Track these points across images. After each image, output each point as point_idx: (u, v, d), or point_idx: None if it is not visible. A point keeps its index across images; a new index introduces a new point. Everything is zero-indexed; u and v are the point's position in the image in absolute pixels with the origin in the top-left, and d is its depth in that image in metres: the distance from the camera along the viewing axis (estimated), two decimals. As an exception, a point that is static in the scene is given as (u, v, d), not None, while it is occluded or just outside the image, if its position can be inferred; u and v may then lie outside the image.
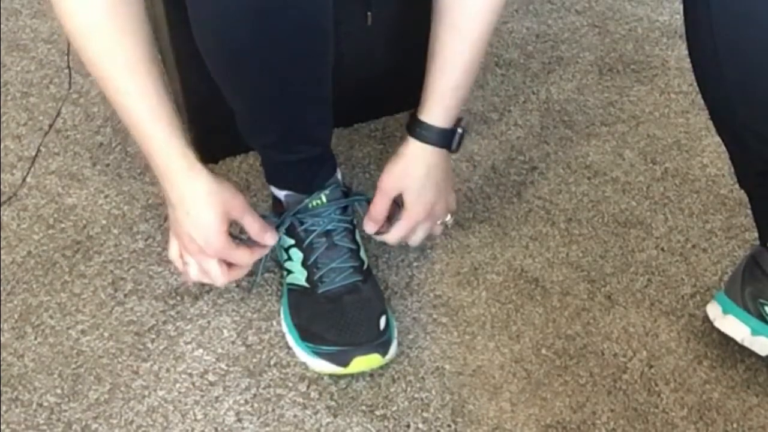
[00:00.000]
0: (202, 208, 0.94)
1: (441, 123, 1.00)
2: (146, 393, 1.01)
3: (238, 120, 0.99)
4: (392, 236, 1.05)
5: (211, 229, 0.94)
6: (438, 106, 0.99)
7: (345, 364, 0.99)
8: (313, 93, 0.96)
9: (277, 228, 1.04)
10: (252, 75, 0.91)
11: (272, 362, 1.03)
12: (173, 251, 1.00)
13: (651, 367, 1.03)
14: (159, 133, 0.91)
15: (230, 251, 0.97)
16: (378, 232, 1.06)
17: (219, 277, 0.98)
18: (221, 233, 0.95)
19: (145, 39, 0.89)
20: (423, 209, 1.03)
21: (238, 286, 1.11)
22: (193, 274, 0.99)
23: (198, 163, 0.94)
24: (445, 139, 1.01)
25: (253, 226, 0.99)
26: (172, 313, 1.08)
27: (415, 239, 1.07)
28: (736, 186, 1.00)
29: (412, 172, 1.01)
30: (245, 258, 0.99)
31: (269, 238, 1.00)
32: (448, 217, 1.08)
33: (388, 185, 1.02)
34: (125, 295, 1.10)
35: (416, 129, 1.01)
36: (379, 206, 1.03)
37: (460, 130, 1.01)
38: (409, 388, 1.01)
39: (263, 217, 1.02)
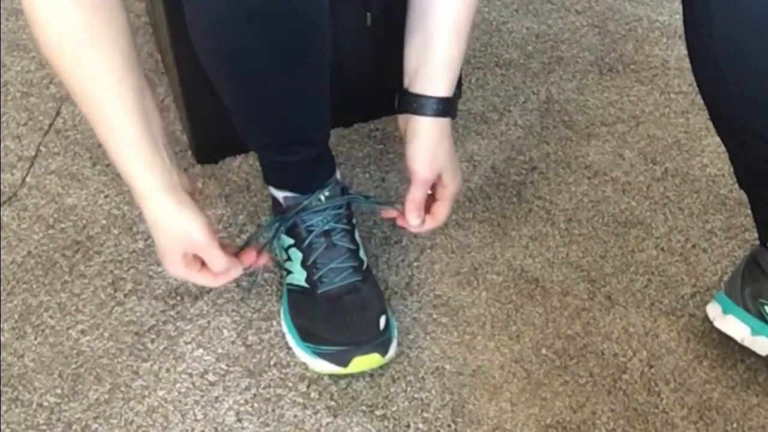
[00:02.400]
0: (160, 234, 0.92)
1: (447, 93, 0.98)
2: (146, 393, 1.01)
3: (236, 121, 0.99)
4: (438, 220, 1.03)
5: (169, 254, 0.93)
6: (435, 79, 0.98)
7: (345, 364, 0.99)
8: (311, 94, 0.96)
9: (278, 228, 1.04)
10: (248, 76, 0.91)
11: (272, 362, 1.03)
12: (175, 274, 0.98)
13: (651, 367, 1.03)
14: (123, 152, 0.89)
15: (191, 276, 0.94)
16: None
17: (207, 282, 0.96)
18: (177, 261, 0.93)
19: (118, 56, 0.85)
20: (460, 181, 1.02)
21: (238, 286, 1.11)
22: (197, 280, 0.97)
23: (157, 189, 0.89)
24: (452, 107, 0.99)
25: (213, 264, 0.94)
26: (172, 313, 1.08)
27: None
28: (736, 186, 1.00)
29: (441, 149, 0.99)
30: (208, 282, 0.96)
31: (234, 274, 0.97)
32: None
33: (425, 173, 0.99)
34: (125, 295, 1.10)
35: (429, 105, 0.98)
36: (419, 196, 1.00)
37: (457, 99, 1.01)
38: (409, 388, 1.01)
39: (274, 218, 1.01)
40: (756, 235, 1.02)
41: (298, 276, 1.04)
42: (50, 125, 1.31)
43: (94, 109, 0.88)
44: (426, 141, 0.98)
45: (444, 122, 0.99)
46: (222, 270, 0.94)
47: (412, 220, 1.02)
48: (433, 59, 0.97)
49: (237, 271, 0.97)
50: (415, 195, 1.01)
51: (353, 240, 1.06)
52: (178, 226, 0.91)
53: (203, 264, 0.94)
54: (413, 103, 0.98)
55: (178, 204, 0.90)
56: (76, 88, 0.87)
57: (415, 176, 0.99)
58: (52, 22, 0.83)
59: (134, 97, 0.87)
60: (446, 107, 0.98)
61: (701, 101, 0.94)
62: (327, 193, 1.03)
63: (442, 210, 1.02)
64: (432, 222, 1.03)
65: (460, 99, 1.03)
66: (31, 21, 0.84)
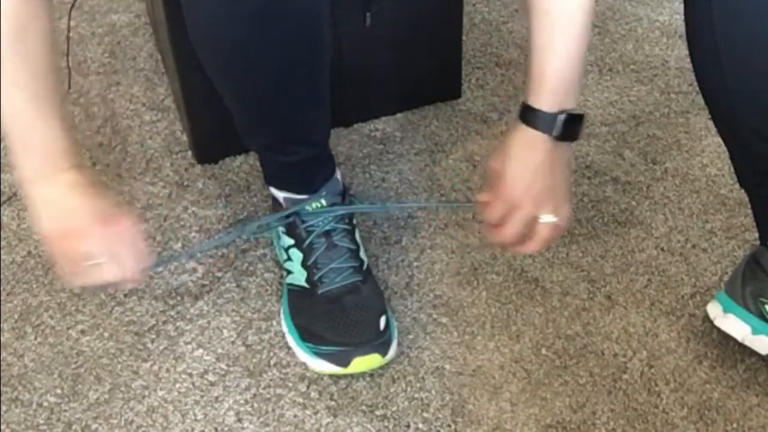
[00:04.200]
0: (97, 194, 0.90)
1: (540, 106, 0.93)
2: (146, 393, 1.01)
3: (236, 121, 0.99)
4: (488, 214, 0.96)
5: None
6: (537, 91, 0.93)
7: (345, 365, 0.99)
8: (310, 94, 0.95)
9: (272, 224, 1.04)
10: (247, 76, 0.91)
11: (272, 362, 1.03)
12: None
13: (651, 367, 1.03)
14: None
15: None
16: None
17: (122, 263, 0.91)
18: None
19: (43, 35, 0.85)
20: (516, 187, 0.94)
21: (238, 286, 1.11)
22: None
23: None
24: (545, 123, 0.93)
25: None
26: (172, 313, 1.08)
27: (510, 226, 0.96)
28: (736, 186, 1.00)
29: (512, 150, 0.94)
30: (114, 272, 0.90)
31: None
32: (551, 217, 0.97)
33: (494, 161, 0.95)
34: (125, 295, 1.10)
35: (521, 111, 0.95)
36: (490, 182, 0.96)
37: (562, 116, 0.92)
38: (409, 388, 1.01)
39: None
40: (756, 234, 1.02)
41: (299, 276, 1.04)
42: (50, 125, 1.31)
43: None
44: (504, 139, 0.95)
45: (523, 129, 0.94)
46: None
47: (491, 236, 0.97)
48: (531, 70, 0.93)
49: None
50: (491, 205, 0.96)
51: (354, 240, 1.06)
52: (96, 190, 0.89)
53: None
54: (521, 113, 0.95)
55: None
56: None
57: (488, 171, 0.96)
58: None
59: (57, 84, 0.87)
60: (531, 117, 0.93)
61: (701, 101, 0.94)
62: (327, 195, 1.04)
63: (490, 208, 0.96)
64: (488, 217, 0.97)
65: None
66: None
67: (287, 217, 1.05)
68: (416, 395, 1.00)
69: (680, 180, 1.24)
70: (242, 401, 1.00)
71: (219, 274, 1.12)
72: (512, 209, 0.94)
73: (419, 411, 0.99)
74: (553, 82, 0.92)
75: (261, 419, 0.98)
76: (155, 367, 1.03)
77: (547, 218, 0.95)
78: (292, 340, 1.03)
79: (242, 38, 0.86)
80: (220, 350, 1.05)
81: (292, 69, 0.91)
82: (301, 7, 0.86)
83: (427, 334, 1.06)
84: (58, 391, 1.01)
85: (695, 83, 0.93)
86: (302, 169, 1.03)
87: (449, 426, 0.98)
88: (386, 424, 0.98)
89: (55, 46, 0.87)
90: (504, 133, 0.96)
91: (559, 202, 0.95)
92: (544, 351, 1.04)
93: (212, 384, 1.01)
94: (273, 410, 0.99)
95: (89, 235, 0.87)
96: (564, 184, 0.96)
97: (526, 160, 0.94)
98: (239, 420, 0.98)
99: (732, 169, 0.99)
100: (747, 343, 0.99)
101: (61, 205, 0.88)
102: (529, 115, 0.93)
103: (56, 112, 0.86)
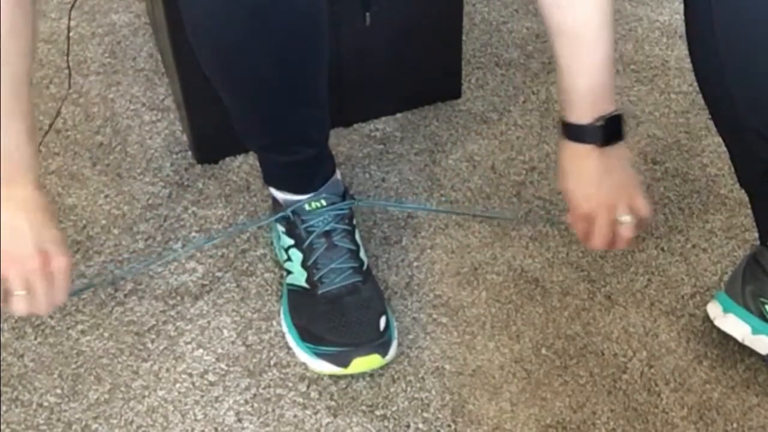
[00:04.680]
0: (52, 222, 0.93)
1: (578, 120, 0.94)
2: (146, 393, 1.01)
3: (235, 121, 0.99)
4: (583, 239, 0.99)
5: (62, 242, 0.92)
6: (571, 106, 0.95)
7: (345, 365, 0.99)
8: (308, 93, 0.95)
9: (285, 234, 1.04)
10: (245, 75, 0.91)
11: (272, 362, 1.03)
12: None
13: (651, 367, 1.03)
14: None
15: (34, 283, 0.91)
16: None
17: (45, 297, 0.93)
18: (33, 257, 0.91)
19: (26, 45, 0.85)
20: (582, 202, 0.96)
21: (238, 286, 1.11)
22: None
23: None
24: (587, 135, 0.94)
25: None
26: (172, 313, 1.08)
27: (599, 238, 0.98)
28: (736, 186, 1.00)
29: (567, 169, 0.97)
30: (61, 292, 0.93)
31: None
32: (627, 217, 0.98)
33: (561, 186, 0.98)
34: (125, 295, 1.10)
35: (561, 128, 0.97)
36: (575, 222, 0.99)
37: (599, 123, 0.93)
38: (409, 388, 1.01)
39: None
40: (756, 234, 1.02)
41: (299, 276, 1.04)
42: (50, 125, 1.31)
43: None
44: (559, 161, 0.98)
45: (568, 145, 0.96)
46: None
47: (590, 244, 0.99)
48: (560, 87, 0.95)
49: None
50: (573, 221, 0.99)
51: (354, 241, 1.06)
52: (54, 231, 0.91)
53: None
54: (564, 130, 0.97)
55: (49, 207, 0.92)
56: None
57: (568, 202, 0.98)
58: None
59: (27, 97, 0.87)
60: (571, 131, 0.95)
61: (701, 101, 0.94)
62: (327, 195, 1.04)
63: (620, 245, 0.98)
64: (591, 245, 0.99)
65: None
66: None
67: (285, 216, 1.05)
68: (416, 395, 1.00)
69: (680, 180, 1.24)
70: (242, 401, 1.00)
71: (219, 274, 1.12)
72: (591, 221, 0.96)
73: (419, 411, 0.99)
74: (587, 97, 0.93)
75: (261, 419, 0.98)
76: (155, 367, 1.03)
77: (625, 218, 0.97)
78: (292, 341, 1.03)
79: (240, 37, 0.86)
80: (220, 350, 1.05)
81: (290, 68, 0.90)
82: (299, 7, 0.86)
83: (427, 334, 1.06)
84: (58, 391, 1.01)
85: (695, 83, 0.93)
86: (302, 169, 1.03)
87: (449, 426, 0.98)
88: (386, 424, 0.98)
89: (35, 57, 0.88)
90: (554, 152, 0.99)
91: (630, 199, 0.97)
92: (544, 351, 1.04)
93: (212, 384, 1.01)
94: (273, 410, 0.99)
95: (16, 266, 0.89)
96: (630, 181, 0.98)
97: (583, 173, 0.96)
98: (239, 420, 0.98)
99: (732, 169, 0.99)
100: (747, 343, 0.99)
101: (6, 224, 0.89)
102: (571, 131, 0.95)
103: (26, 123, 0.87)
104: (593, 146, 0.94)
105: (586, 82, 0.92)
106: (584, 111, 0.93)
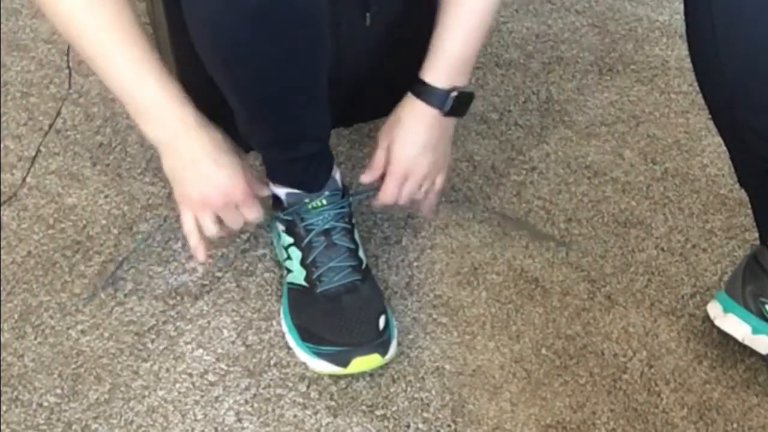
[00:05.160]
0: (229, 152, 0.96)
1: (434, 82, 1.00)
2: (146, 393, 1.01)
3: (237, 118, 0.99)
4: (383, 194, 1.05)
5: (241, 171, 0.96)
6: (433, 67, 1.00)
7: (345, 365, 0.99)
8: (310, 91, 0.96)
9: (285, 233, 1.05)
10: (247, 73, 0.91)
11: (272, 362, 1.03)
12: (188, 223, 1.00)
13: (651, 367, 1.03)
14: (167, 94, 0.91)
15: (252, 197, 0.99)
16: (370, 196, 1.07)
17: (238, 218, 0.99)
18: (245, 177, 0.97)
19: (129, 12, 0.89)
20: (405, 161, 1.03)
21: (238, 286, 1.11)
22: (212, 229, 1.00)
23: (202, 115, 0.95)
24: (437, 99, 1.01)
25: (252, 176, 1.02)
26: (172, 313, 1.08)
27: (400, 198, 1.06)
28: (736, 186, 1.00)
29: (402, 123, 1.02)
30: (264, 190, 1.04)
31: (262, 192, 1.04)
32: (434, 183, 1.07)
33: (381, 134, 1.04)
34: (125, 295, 1.10)
35: (413, 85, 1.02)
36: (376, 156, 1.05)
37: (454, 93, 1.00)
38: (409, 388, 1.01)
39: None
40: (756, 234, 1.02)
41: (298, 274, 1.04)
42: (50, 125, 1.31)
43: (121, 69, 0.90)
44: (396, 110, 1.03)
45: (415, 104, 1.01)
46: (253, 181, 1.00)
47: (364, 176, 1.06)
48: (433, 48, 1.00)
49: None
50: (373, 153, 1.05)
51: (353, 239, 1.06)
52: (227, 160, 0.95)
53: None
54: (414, 87, 1.02)
55: (220, 137, 0.96)
56: (97, 49, 0.89)
57: (376, 137, 1.06)
58: None
59: (149, 46, 0.91)
60: (425, 93, 1.00)
61: (701, 101, 0.94)
62: (328, 195, 1.04)
63: (383, 186, 1.04)
64: (380, 196, 1.05)
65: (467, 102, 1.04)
66: None
67: (288, 215, 1.05)
68: (416, 395, 1.00)
69: (680, 180, 1.24)
70: (242, 401, 1.00)
71: (219, 274, 1.12)
72: (402, 179, 1.03)
73: (419, 411, 0.99)
74: (450, 59, 1.00)
75: (261, 419, 0.98)
76: (155, 367, 1.03)
77: (426, 190, 1.06)
78: (292, 340, 1.03)
79: (242, 37, 0.86)
80: (220, 350, 1.05)
81: (291, 67, 0.91)
82: (301, 6, 0.86)
83: (427, 334, 1.06)
84: (58, 391, 1.01)
85: (695, 83, 0.93)
86: (305, 166, 1.03)
87: (449, 426, 0.98)
88: (386, 424, 0.98)
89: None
90: (396, 107, 1.04)
91: (438, 172, 1.06)
92: (544, 351, 1.04)
93: (212, 384, 1.01)
94: (273, 410, 0.99)
95: (241, 200, 0.97)
96: (446, 157, 1.07)
97: (415, 134, 1.02)
98: (239, 420, 0.98)
99: (732, 169, 0.99)
100: (747, 343, 0.99)
101: (183, 174, 0.96)
102: (422, 90, 1.01)
103: (161, 75, 0.91)
104: (437, 112, 1.01)
105: (455, 46, 0.99)
106: (444, 75, 1.00)
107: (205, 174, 0.95)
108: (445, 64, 1.00)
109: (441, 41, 0.99)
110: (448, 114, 1.01)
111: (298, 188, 1.04)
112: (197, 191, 0.97)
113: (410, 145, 1.02)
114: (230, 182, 0.96)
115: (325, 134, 1.04)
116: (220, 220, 0.99)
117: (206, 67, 0.92)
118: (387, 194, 1.04)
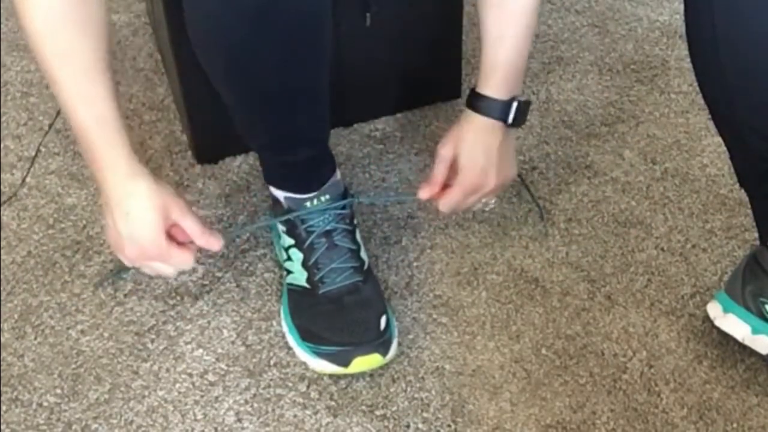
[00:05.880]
0: (142, 206, 0.92)
1: (495, 95, 1.00)
2: (146, 393, 1.01)
3: (236, 121, 0.99)
4: (445, 202, 1.04)
5: (151, 226, 0.93)
6: (491, 79, 1.00)
7: (345, 365, 0.99)
8: (310, 93, 0.96)
9: (286, 234, 1.04)
10: (246, 76, 0.90)
11: (272, 362, 1.03)
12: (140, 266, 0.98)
13: (651, 367, 1.03)
14: (103, 138, 0.91)
15: (170, 252, 0.95)
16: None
17: (166, 269, 0.97)
18: (161, 233, 0.93)
19: (100, 44, 0.88)
20: (475, 174, 1.02)
21: (238, 286, 1.11)
22: (164, 272, 0.98)
23: (140, 166, 0.93)
24: (498, 111, 1.01)
25: (194, 228, 0.96)
26: (172, 313, 1.08)
27: (460, 207, 1.06)
28: (736, 186, 1.00)
29: (465, 137, 1.02)
30: (185, 261, 0.96)
31: (214, 243, 0.97)
32: (493, 200, 1.08)
33: (443, 149, 1.03)
34: (125, 295, 1.10)
35: (471, 100, 1.02)
36: (436, 170, 1.04)
37: (515, 104, 1.01)
38: (409, 388, 1.01)
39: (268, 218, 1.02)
40: (756, 234, 1.02)
41: (299, 276, 1.04)
42: (50, 125, 1.31)
43: (74, 98, 0.89)
44: (458, 125, 1.03)
45: (477, 118, 1.01)
46: (200, 236, 0.96)
47: (422, 191, 1.04)
48: (484, 60, 1.00)
49: (213, 243, 0.98)
50: (433, 168, 1.04)
51: (354, 240, 1.06)
52: (165, 193, 0.94)
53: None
54: (471, 98, 1.02)
55: (155, 178, 0.94)
56: (54, 76, 0.89)
57: (436, 150, 1.04)
58: (36, 12, 0.86)
59: (111, 86, 0.90)
60: (485, 105, 1.00)
61: (701, 101, 0.94)
62: (328, 196, 1.04)
63: (447, 196, 1.03)
64: (441, 204, 1.04)
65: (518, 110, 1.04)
66: (18, 9, 0.86)
67: (288, 218, 1.05)
68: (416, 395, 1.00)
69: (680, 180, 1.24)
70: (242, 401, 1.00)
71: (219, 274, 1.12)
72: (470, 191, 1.03)
73: (419, 411, 0.99)
74: (506, 70, 1.00)
75: (261, 419, 0.98)
76: (155, 367, 1.03)
77: (491, 203, 1.09)
78: (292, 340, 1.03)
79: (241, 38, 0.86)
80: (220, 350, 1.05)
81: (291, 69, 0.90)
82: (300, 7, 0.86)
83: (427, 334, 1.06)
84: (58, 391, 1.01)
85: (695, 83, 0.93)
86: (302, 169, 1.03)
87: (449, 426, 0.98)
88: (386, 424, 0.98)
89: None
90: (456, 121, 1.04)
91: (504, 182, 1.06)
92: (544, 351, 1.04)
93: (212, 384, 1.01)
94: (273, 410, 0.99)
95: (154, 256, 0.95)
96: (512, 167, 1.07)
97: (484, 147, 1.02)
98: (239, 420, 0.98)
99: (732, 169, 0.99)
100: (747, 343, 0.99)
101: (109, 222, 0.94)
102: (482, 104, 1.00)
103: (115, 124, 0.91)
104: (500, 123, 1.01)
105: (507, 54, 0.99)
106: (501, 85, 1.00)
107: (119, 224, 0.93)
108: (503, 75, 0.99)
109: (494, 52, 0.99)
110: (511, 124, 1.01)
111: (296, 191, 1.04)
112: (113, 241, 0.96)
113: (479, 159, 1.02)
114: (141, 237, 0.93)
115: (325, 137, 1.04)
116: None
117: (204, 67, 0.92)
118: (451, 204, 1.04)
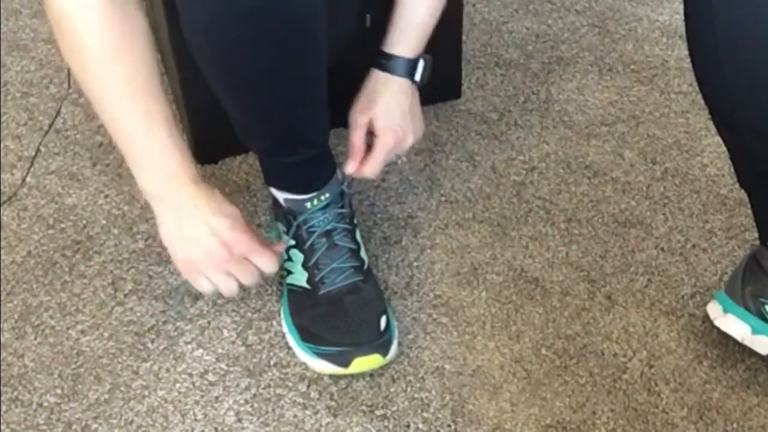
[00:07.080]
0: (227, 204, 0.94)
1: (405, 54, 1.05)
2: (146, 393, 1.01)
3: (234, 123, 0.99)
4: (370, 167, 1.06)
5: (240, 221, 0.93)
6: (402, 39, 1.05)
7: (346, 365, 0.99)
8: (307, 94, 0.95)
9: (286, 234, 1.04)
10: (244, 76, 0.90)
11: (272, 362, 1.03)
12: (205, 286, 0.95)
13: (651, 367, 1.03)
14: (170, 139, 0.91)
15: (261, 242, 0.94)
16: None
17: (250, 272, 0.95)
18: (248, 226, 0.94)
19: (144, 55, 0.89)
20: (395, 135, 1.06)
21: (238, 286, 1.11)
22: (230, 289, 0.96)
23: (199, 172, 0.94)
24: (408, 69, 1.06)
25: (260, 238, 0.95)
26: (173, 313, 1.08)
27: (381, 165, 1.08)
28: (736, 186, 1.00)
29: (381, 97, 1.06)
30: (271, 260, 0.94)
31: (272, 262, 0.95)
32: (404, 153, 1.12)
33: (357, 117, 1.06)
34: (125, 295, 1.10)
35: (380, 61, 1.06)
36: (355, 140, 1.06)
37: (422, 61, 1.06)
38: (409, 388, 1.01)
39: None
40: (756, 234, 1.02)
41: (299, 277, 1.04)
42: (50, 125, 1.31)
43: (124, 119, 0.90)
44: (365, 89, 1.07)
45: (388, 78, 1.06)
46: (262, 248, 0.94)
47: (348, 166, 1.06)
48: (398, 23, 1.05)
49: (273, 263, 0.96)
50: (350, 138, 1.07)
51: (354, 240, 1.06)
52: (228, 210, 0.93)
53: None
54: (373, 55, 1.07)
55: (216, 192, 0.94)
56: (99, 94, 0.90)
57: (349, 120, 1.07)
58: (75, 30, 0.86)
59: (163, 102, 0.91)
60: (396, 65, 1.05)
61: (701, 101, 0.94)
62: (328, 195, 1.04)
63: (370, 162, 1.05)
64: (366, 171, 1.06)
65: (427, 77, 1.09)
66: (57, 30, 0.87)
67: (286, 217, 1.05)
68: (416, 395, 1.00)
69: (680, 180, 1.24)
70: (242, 401, 1.00)
71: (219, 274, 1.12)
72: (391, 149, 1.06)
73: (419, 411, 0.99)
74: (417, 31, 1.05)
75: (261, 419, 0.98)
76: (155, 367, 1.03)
77: (402, 156, 1.13)
78: (292, 340, 1.03)
79: (236, 40, 0.86)
80: (220, 350, 1.05)
81: (287, 70, 0.90)
82: (294, 9, 0.85)
83: (427, 334, 1.06)
84: (58, 391, 1.01)
85: (695, 83, 0.93)
86: (302, 170, 1.03)
87: (449, 426, 0.98)
88: (386, 424, 0.98)
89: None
90: (362, 83, 1.08)
91: (419, 131, 1.10)
92: (544, 351, 1.04)
93: (212, 384, 1.01)
94: (273, 410, 0.99)
95: (209, 265, 0.93)
96: (420, 123, 1.10)
97: (398, 107, 1.06)
98: (239, 420, 0.98)
99: (732, 169, 0.99)
100: (747, 343, 0.99)
101: (183, 232, 0.93)
102: (394, 63, 1.06)
103: (166, 126, 0.91)
104: (410, 82, 1.07)
105: (422, 16, 1.05)
106: (412, 45, 1.05)
107: (205, 224, 0.92)
108: (414, 35, 1.05)
109: (407, 14, 1.04)
110: (419, 82, 1.07)
111: (296, 192, 1.04)
112: (198, 247, 0.92)
113: (395, 119, 1.06)
114: (232, 231, 0.92)
115: (325, 138, 1.04)
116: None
117: (201, 70, 0.91)
118: (376, 166, 1.06)
